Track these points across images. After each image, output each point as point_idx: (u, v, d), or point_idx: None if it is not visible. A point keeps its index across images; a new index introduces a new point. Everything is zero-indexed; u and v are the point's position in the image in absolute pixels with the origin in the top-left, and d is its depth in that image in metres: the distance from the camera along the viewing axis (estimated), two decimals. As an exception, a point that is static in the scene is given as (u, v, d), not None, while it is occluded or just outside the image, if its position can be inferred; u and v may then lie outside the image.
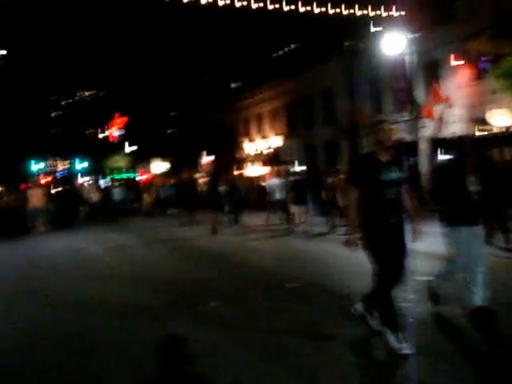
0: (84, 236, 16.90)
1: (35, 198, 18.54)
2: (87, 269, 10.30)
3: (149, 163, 51.39)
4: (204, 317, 6.22)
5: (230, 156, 38.10)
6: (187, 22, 42.39)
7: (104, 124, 75.49)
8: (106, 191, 28.93)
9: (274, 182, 17.48)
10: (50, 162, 72.21)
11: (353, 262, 7.42)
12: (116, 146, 63.99)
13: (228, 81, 46.84)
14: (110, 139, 67.03)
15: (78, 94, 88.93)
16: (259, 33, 34.81)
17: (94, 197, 25.15)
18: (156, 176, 47.79)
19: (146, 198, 26.86)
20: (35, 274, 9.86)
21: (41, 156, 70.23)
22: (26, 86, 72.56)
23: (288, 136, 33.95)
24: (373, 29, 27.91)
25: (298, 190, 14.89)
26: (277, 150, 34.23)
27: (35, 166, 65.98)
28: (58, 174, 72.51)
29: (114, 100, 68.07)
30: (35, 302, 7.47)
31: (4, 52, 74.44)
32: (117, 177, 53.69)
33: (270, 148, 35.91)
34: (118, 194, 26.56)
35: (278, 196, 16.47)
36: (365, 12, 26.07)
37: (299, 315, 6.05)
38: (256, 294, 7.24)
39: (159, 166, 50.09)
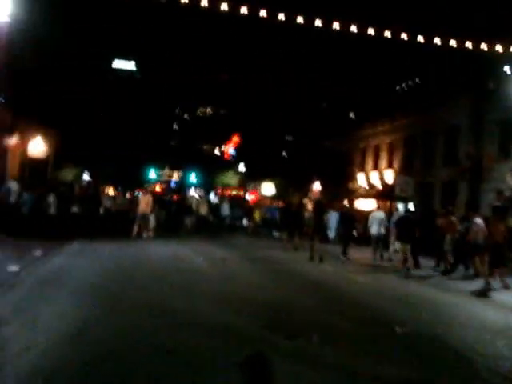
0: (188, 246, 17.04)
1: (144, 204, 19.03)
2: (186, 280, 10.11)
3: (259, 184, 51.91)
4: (302, 352, 5.75)
5: (341, 186, 37.38)
6: (315, 48, 42.81)
7: (220, 141, 78.11)
8: (215, 206, 29.43)
9: (376, 214, 17.22)
10: (165, 172, 75.37)
11: (464, 314, 6.63)
12: (229, 164, 65.60)
13: (347, 110, 46.50)
14: (225, 157, 68.99)
15: (200, 110, 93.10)
16: (386, 63, 34.21)
17: (202, 210, 25.57)
18: (263, 197, 48.18)
19: (256, 218, 27.05)
20: (137, 277, 9.87)
21: (158, 165, 73.67)
22: (153, 98, 77.16)
23: (404, 171, 32.66)
24: (507, 68, 26.31)
25: (403, 226, 14.38)
26: (390, 185, 33.06)
27: (152, 174, 69.17)
28: (172, 184, 75.55)
29: (232, 119, 70.35)
30: (132, 306, 7.37)
31: (133, 66, 79.98)
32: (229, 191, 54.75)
33: (383, 182, 34.81)
34: (226, 209, 26.88)
35: (374, 230, 16.50)
36: (500, 50, 24.72)
37: (409, 368, 5.40)
38: (360, 333, 6.66)
39: (268, 188, 50.40)
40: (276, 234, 24.49)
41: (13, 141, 25.71)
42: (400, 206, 28.02)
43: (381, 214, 17.24)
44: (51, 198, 20.63)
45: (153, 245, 16.84)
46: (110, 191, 52.98)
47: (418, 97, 32.84)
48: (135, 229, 18.57)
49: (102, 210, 23.61)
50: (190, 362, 5.05)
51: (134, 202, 21.06)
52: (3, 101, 23.71)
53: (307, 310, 8.04)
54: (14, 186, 18.98)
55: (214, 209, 27.87)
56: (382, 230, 16.62)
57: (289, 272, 12.46)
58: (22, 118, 27.07)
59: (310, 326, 6.80)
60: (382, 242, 16.76)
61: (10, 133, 25.45)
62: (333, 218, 20.79)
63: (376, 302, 9.22)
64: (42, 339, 5.33)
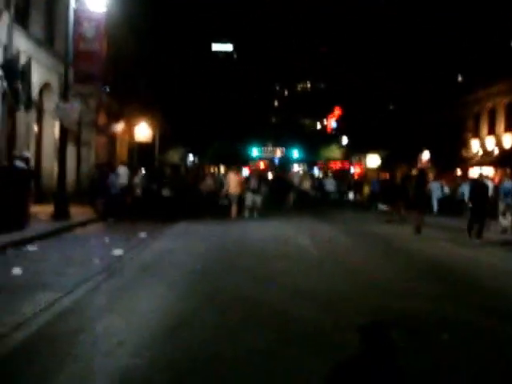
0: (292, 224, 16.54)
1: (234, 184, 18.41)
2: (294, 269, 8.78)
3: (363, 156, 50.34)
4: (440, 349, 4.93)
5: (453, 154, 35.01)
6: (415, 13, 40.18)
7: (321, 115, 76.79)
8: (318, 180, 28.84)
9: (507, 185, 15.56)
10: (268, 149, 75.51)
11: None
12: (331, 138, 64.31)
13: (455, 73, 43.28)
14: (327, 130, 67.75)
15: (300, 85, 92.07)
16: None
17: (305, 185, 24.93)
18: (368, 170, 46.66)
19: (365, 191, 26.17)
20: (239, 264, 9.21)
21: (261, 142, 73.98)
22: (253, 77, 77.33)
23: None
24: None
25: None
26: (510, 150, 30.49)
27: (255, 152, 69.55)
28: (275, 160, 75.61)
29: (332, 92, 68.66)
30: (234, 299, 6.90)
31: (231, 47, 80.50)
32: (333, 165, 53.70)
33: (501, 147, 32.13)
34: (331, 184, 26.23)
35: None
36: None
37: None
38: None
39: (373, 160, 48.72)
40: (382, 207, 23.43)
41: (120, 127, 26.53)
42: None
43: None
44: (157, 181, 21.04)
45: (255, 224, 16.49)
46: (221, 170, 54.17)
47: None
48: (233, 210, 18.09)
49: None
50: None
51: (219, 181, 20.68)
52: (108, 90, 24.41)
53: (433, 299, 6.76)
54: (123, 170, 19.40)
55: (319, 184, 27.35)
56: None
57: (404, 251, 11.53)
58: (127, 105, 27.86)
59: (439, 324, 5.65)
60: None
61: (117, 120, 26.26)
62: (435, 188, 20.88)
63: None
64: (135, 334, 4.99)
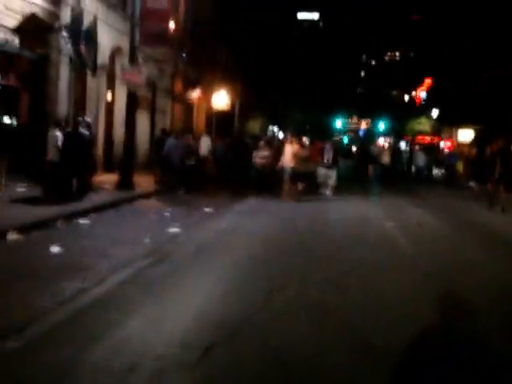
0: (374, 204, 14.99)
1: (289, 157, 15.10)
2: (378, 265, 7.22)
3: (455, 130, 46.99)
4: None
5: None
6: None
7: (410, 86, 72.86)
8: (408, 155, 26.98)
9: None
10: (353, 121, 73.15)
11: None
12: (420, 110, 60.79)
13: None
14: (417, 102, 64.18)
15: (388, 55, 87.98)
16: None
17: (385, 158, 23.31)
18: (460, 145, 43.49)
19: (460, 168, 23.91)
20: (308, 250, 8.04)
21: (346, 114, 71.74)
22: (339, 46, 74.55)
23: None
24: None
25: None
26: None
27: (339, 124, 67.46)
28: (360, 133, 73.22)
29: (422, 63, 64.74)
30: (299, 304, 5.76)
31: (317, 15, 77.73)
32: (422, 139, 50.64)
33: None
34: (421, 160, 24.31)
35: None
36: None
37: None
38: None
39: (466, 134, 45.35)
40: (472, 184, 21.28)
41: (197, 94, 25.76)
42: None
43: None
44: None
45: (333, 202, 15.05)
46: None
47: None
48: (285, 188, 15.00)
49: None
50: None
51: (270, 154, 16.49)
52: (185, 56, 23.61)
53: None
54: (205, 141, 18.46)
55: (408, 159, 25.62)
56: None
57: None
58: (205, 72, 27.04)
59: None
60: None
61: (194, 87, 25.49)
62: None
63: None
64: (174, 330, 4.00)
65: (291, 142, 15.91)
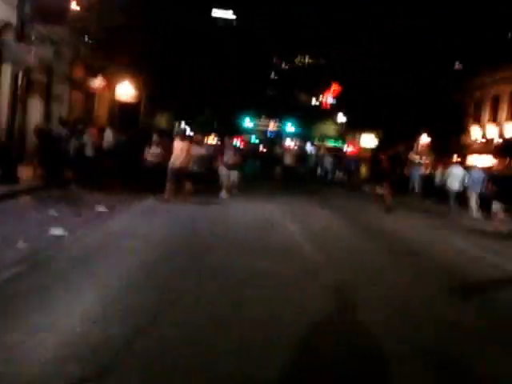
0: (276, 205, 14.54)
1: (178, 154, 13.57)
2: (280, 274, 6.69)
3: (359, 135, 48.35)
4: None
5: (452, 139, 33.13)
6: None
7: (318, 91, 74.28)
8: (316, 158, 27.27)
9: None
10: (262, 121, 73.40)
11: None
12: (327, 114, 62.17)
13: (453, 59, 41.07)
14: (323, 106, 65.55)
15: (298, 59, 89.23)
16: None
17: (288, 160, 23.23)
18: (363, 150, 44.79)
19: (363, 172, 24.42)
20: (207, 261, 7.40)
21: (255, 114, 71.85)
22: (251, 46, 74.51)
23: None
24: None
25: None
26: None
27: (248, 123, 67.45)
28: (268, 134, 73.58)
29: (331, 69, 66.20)
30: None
31: (232, 14, 77.42)
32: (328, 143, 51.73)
33: (502, 136, 30.37)
34: (328, 163, 24.58)
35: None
36: None
37: None
38: None
39: (368, 140, 46.81)
40: (367, 187, 21.80)
41: (99, 83, 24.24)
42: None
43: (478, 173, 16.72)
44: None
45: (235, 203, 14.42)
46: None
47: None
48: (168, 188, 13.27)
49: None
50: None
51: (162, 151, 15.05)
52: (88, 40, 22.10)
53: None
54: (109, 133, 17.15)
55: (316, 162, 25.87)
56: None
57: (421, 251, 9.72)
58: (110, 60, 25.55)
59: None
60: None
61: (96, 74, 23.96)
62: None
63: None
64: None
65: (182, 139, 14.14)
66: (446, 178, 17.13)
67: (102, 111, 26.98)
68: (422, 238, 11.24)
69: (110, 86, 26.19)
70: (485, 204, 15.62)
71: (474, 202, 16.45)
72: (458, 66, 40.26)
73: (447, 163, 21.29)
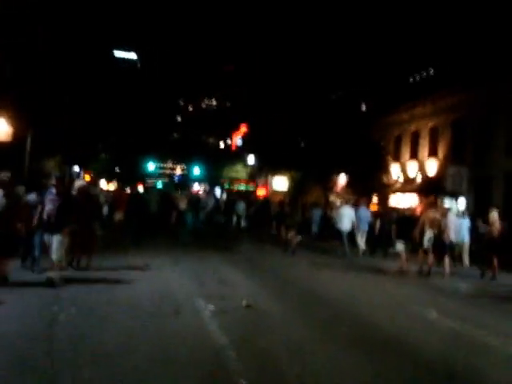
0: (182, 267, 11.09)
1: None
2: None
3: (271, 177, 45.92)
4: None
5: (372, 179, 31.32)
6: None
7: (226, 134, 72.20)
8: (226, 204, 24.58)
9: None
10: (167, 165, 70.12)
11: None
12: (236, 156, 59.80)
13: (360, 100, 40.29)
14: (232, 148, 63.26)
15: (205, 102, 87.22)
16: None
17: (182, 204, 22.07)
18: (274, 192, 42.37)
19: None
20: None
21: (161, 158, 68.64)
22: (155, 89, 71.51)
23: (452, 161, 26.80)
24: None
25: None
26: (434, 178, 27.39)
27: (151, 167, 63.80)
28: (175, 178, 70.37)
29: (238, 111, 64.55)
30: None
31: (134, 56, 74.29)
32: (237, 187, 48.96)
33: (424, 174, 28.95)
34: (240, 208, 21.93)
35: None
36: None
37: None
38: None
39: (280, 182, 44.53)
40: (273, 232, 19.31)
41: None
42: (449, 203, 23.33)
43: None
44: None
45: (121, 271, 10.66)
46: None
47: (470, 71, 26.57)
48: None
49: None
50: None
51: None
52: None
53: None
54: None
55: (227, 206, 23.14)
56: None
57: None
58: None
59: None
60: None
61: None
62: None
63: None
64: None
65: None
66: (338, 219, 17.31)
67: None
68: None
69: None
70: (381, 242, 16.89)
71: (360, 239, 17.35)
72: (364, 107, 39.45)
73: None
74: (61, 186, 9.83)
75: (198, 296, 8.32)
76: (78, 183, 11.86)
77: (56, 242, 8.54)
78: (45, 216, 8.78)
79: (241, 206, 22.53)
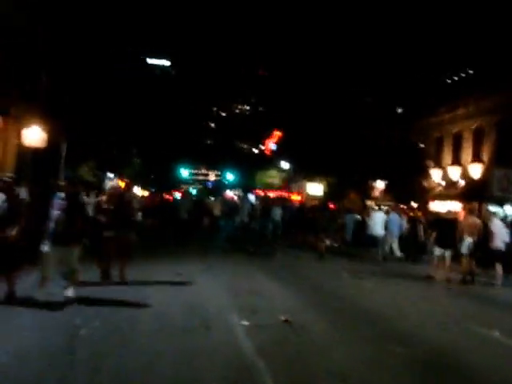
0: (214, 276, 10.42)
1: None
2: None
3: (305, 183, 45.08)
4: None
5: (412, 184, 30.16)
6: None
7: (260, 139, 71.68)
8: (262, 210, 24.11)
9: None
10: (201, 171, 70.05)
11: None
12: (270, 162, 59.12)
13: (405, 97, 39.12)
14: (266, 153, 62.60)
15: (238, 107, 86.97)
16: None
17: (216, 211, 21.65)
18: (309, 198, 41.48)
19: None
20: None
21: (195, 165, 68.68)
22: (189, 96, 71.59)
23: (496, 165, 25.49)
24: None
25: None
26: (479, 182, 26.10)
27: (185, 173, 63.79)
28: (208, 184, 70.28)
29: (272, 116, 63.93)
30: None
31: (168, 63, 74.50)
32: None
33: (468, 178, 27.66)
34: (277, 213, 21.43)
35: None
36: None
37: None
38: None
39: (315, 188, 43.65)
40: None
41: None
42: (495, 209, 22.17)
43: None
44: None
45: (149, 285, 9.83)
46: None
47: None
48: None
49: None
50: None
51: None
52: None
53: None
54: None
55: (261, 213, 22.69)
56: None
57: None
58: (18, 100, 21.42)
59: None
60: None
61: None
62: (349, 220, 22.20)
63: None
64: None
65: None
66: (371, 224, 17.21)
67: (7, 158, 22.45)
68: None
69: (18, 129, 21.85)
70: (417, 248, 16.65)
71: (395, 245, 17.22)
72: (400, 109, 38.33)
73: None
74: (71, 187, 8.68)
75: (231, 308, 7.64)
76: (110, 184, 11.41)
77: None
78: (52, 224, 7.45)
79: (277, 212, 21.87)
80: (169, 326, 6.44)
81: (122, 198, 10.09)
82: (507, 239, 14.38)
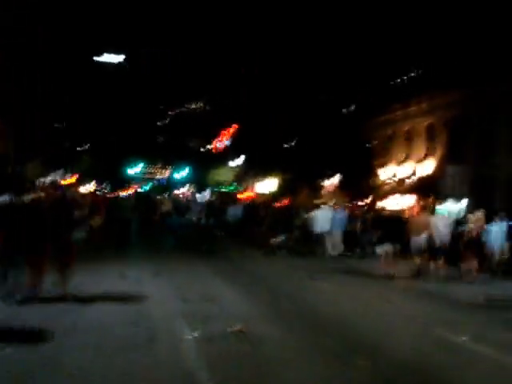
0: (162, 279, 9.71)
1: None
2: None
3: (257, 179, 44.52)
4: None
5: (364, 181, 30.15)
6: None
7: (212, 137, 70.73)
8: (220, 206, 23.86)
9: None
10: (153, 169, 68.73)
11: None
12: (224, 158, 58.46)
13: (357, 96, 39.10)
14: (219, 149, 61.75)
15: (186, 105, 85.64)
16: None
17: (164, 207, 21.43)
18: (258, 195, 40.94)
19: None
20: None
21: (146, 162, 67.50)
22: (139, 92, 69.80)
23: (447, 162, 25.72)
24: None
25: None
26: (430, 178, 26.28)
27: (137, 170, 62.50)
28: (161, 182, 69.09)
29: (223, 113, 63.12)
30: None
31: (122, 57, 72.40)
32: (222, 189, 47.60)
33: (416, 174, 27.81)
34: (233, 212, 21.07)
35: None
36: None
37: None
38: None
39: (267, 185, 43.15)
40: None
41: None
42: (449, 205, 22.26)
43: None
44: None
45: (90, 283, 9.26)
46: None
47: (470, 66, 25.36)
48: None
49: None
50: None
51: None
52: None
53: None
54: None
55: (219, 210, 22.31)
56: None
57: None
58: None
59: None
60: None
61: None
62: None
63: None
64: None
65: None
66: (313, 221, 17.25)
67: None
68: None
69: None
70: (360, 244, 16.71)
71: (337, 240, 16.90)
72: (352, 107, 38.32)
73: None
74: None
75: (180, 318, 6.94)
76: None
77: None
78: None
79: (234, 210, 21.51)
80: (109, 342, 5.69)
81: (57, 197, 9.13)
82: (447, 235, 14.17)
